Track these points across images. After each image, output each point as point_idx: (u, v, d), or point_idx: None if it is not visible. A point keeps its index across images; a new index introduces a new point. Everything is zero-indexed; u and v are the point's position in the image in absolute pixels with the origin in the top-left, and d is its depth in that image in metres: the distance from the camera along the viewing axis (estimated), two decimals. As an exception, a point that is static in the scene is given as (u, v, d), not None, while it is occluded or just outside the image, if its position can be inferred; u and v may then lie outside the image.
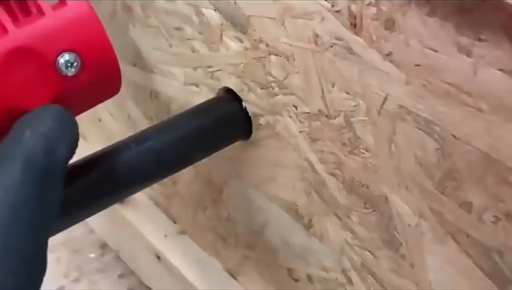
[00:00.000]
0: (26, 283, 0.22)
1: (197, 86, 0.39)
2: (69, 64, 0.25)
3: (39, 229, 0.23)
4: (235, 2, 0.33)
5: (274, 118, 0.34)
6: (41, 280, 0.23)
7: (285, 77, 0.32)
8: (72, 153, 0.25)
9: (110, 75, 0.27)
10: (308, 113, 0.32)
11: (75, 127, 0.25)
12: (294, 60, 0.31)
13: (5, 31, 0.24)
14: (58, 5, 0.25)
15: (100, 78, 0.26)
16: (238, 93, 0.36)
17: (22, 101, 0.25)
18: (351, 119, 0.30)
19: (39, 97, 0.25)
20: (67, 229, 0.31)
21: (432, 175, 0.27)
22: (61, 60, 0.25)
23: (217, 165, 0.41)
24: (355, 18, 0.27)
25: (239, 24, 0.34)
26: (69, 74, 0.25)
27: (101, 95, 0.28)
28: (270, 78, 0.33)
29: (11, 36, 0.24)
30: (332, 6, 0.28)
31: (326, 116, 0.31)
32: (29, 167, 0.23)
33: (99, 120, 0.53)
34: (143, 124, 0.46)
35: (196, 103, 0.36)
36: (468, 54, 0.23)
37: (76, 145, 0.25)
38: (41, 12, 0.25)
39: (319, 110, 0.31)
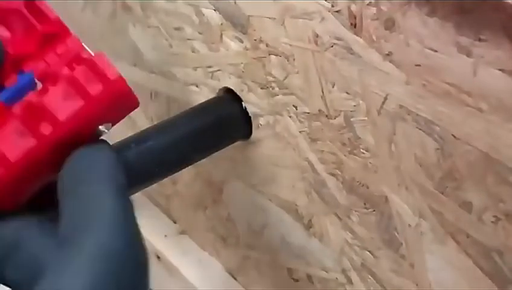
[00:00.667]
0: None
1: (197, 86, 0.39)
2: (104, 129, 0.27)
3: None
4: (235, 2, 0.33)
5: (274, 118, 0.34)
6: None
7: (285, 77, 0.32)
8: None
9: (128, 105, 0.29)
10: (308, 113, 0.32)
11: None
12: (294, 60, 0.31)
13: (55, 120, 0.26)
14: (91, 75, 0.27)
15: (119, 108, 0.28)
16: (238, 93, 0.36)
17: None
18: (351, 119, 0.30)
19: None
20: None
21: (432, 175, 0.27)
22: (101, 128, 0.27)
23: (217, 165, 0.41)
24: (355, 18, 0.27)
25: (239, 24, 0.34)
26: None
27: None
28: (270, 78, 0.33)
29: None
30: (333, 6, 0.28)
31: (326, 116, 0.31)
32: (120, 190, 0.24)
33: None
34: (143, 124, 0.46)
35: (196, 103, 0.36)
36: (468, 54, 0.23)
37: None
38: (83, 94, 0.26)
39: (319, 110, 0.31)
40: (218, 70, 0.37)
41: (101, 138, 0.27)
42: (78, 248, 0.22)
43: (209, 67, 0.37)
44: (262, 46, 0.33)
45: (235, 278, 0.46)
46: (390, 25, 0.26)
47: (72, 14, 0.54)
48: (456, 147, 0.25)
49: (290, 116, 0.33)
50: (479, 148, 0.24)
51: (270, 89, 0.33)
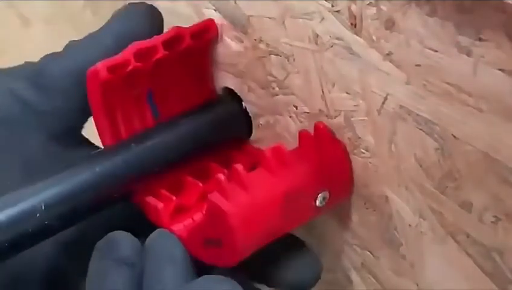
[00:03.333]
0: None
1: (197, 86, 0.39)
2: (323, 200, 0.30)
3: None
4: (235, 2, 0.33)
5: (274, 118, 0.34)
6: None
7: (286, 77, 0.32)
8: None
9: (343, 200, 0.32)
10: (309, 113, 0.32)
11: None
12: (294, 60, 0.31)
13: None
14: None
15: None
16: (238, 93, 0.36)
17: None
18: (351, 119, 0.30)
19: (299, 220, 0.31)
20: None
21: (432, 175, 0.27)
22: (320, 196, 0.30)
23: (217, 165, 0.41)
24: (355, 18, 0.27)
25: (239, 24, 0.34)
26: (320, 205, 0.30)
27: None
28: (270, 78, 0.33)
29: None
30: (333, 6, 0.28)
31: (327, 116, 0.31)
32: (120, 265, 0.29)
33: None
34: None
35: (196, 103, 0.36)
36: (469, 54, 0.23)
37: None
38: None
39: (319, 110, 0.31)
40: (218, 70, 0.37)
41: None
42: None
43: (209, 67, 0.37)
44: (262, 46, 0.33)
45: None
46: (390, 25, 0.26)
47: (72, 14, 0.54)
48: (456, 147, 0.25)
49: (290, 116, 0.33)
50: (479, 148, 0.24)
51: (270, 89, 0.33)
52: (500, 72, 0.22)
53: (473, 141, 0.25)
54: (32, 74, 0.34)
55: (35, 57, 0.35)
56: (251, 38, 0.33)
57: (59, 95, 0.33)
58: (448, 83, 0.24)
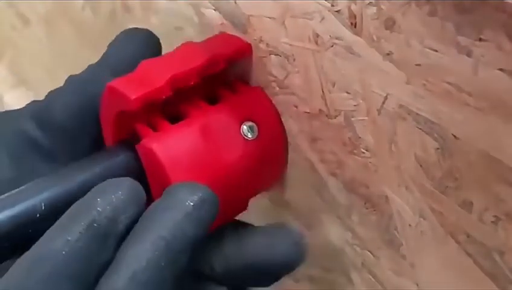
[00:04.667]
0: None
1: (197, 86, 0.39)
2: (249, 130, 0.33)
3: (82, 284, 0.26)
4: (235, 2, 0.33)
5: (274, 118, 0.34)
6: None
7: (286, 77, 0.32)
8: (132, 224, 0.28)
9: (278, 147, 0.34)
10: (309, 112, 0.32)
11: (142, 202, 0.28)
12: (294, 59, 0.31)
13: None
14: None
15: (271, 151, 0.34)
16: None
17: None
18: (352, 119, 0.30)
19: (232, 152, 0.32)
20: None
21: (432, 175, 0.27)
22: (245, 127, 0.32)
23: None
24: (355, 18, 0.27)
25: (239, 24, 0.34)
26: (250, 137, 0.33)
27: (269, 173, 0.34)
28: (271, 78, 0.33)
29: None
30: (333, 6, 0.28)
31: (327, 116, 0.31)
32: (91, 230, 0.26)
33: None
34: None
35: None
36: (469, 54, 0.23)
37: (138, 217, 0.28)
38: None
39: (320, 110, 0.31)
40: (219, 70, 0.37)
41: None
42: None
43: (209, 67, 0.37)
44: (262, 45, 0.33)
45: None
46: (390, 24, 0.26)
47: (72, 14, 0.54)
48: (456, 147, 0.25)
49: (290, 116, 0.33)
50: (479, 148, 0.24)
51: (271, 88, 0.33)
52: (500, 72, 0.22)
53: (473, 140, 0.25)
54: (38, 114, 0.34)
55: (35, 57, 0.35)
56: (251, 38, 0.33)
57: (64, 134, 0.34)
58: (448, 83, 0.24)
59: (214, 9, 0.35)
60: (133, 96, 0.30)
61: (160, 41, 0.35)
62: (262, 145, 0.33)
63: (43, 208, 0.29)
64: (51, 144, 0.34)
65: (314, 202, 0.35)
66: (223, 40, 0.34)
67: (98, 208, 0.27)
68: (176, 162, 0.30)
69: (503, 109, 0.23)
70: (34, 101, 0.35)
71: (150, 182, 0.31)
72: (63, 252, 0.26)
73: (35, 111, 0.34)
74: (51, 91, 0.35)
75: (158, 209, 0.28)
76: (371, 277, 0.33)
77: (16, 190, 0.30)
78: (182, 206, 0.27)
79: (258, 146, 0.33)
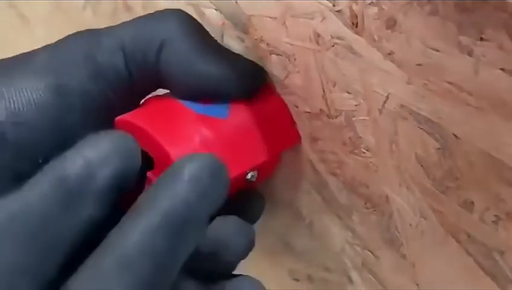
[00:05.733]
0: None
1: (197, 86, 0.39)
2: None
3: (54, 249, 0.23)
4: (236, 2, 0.33)
5: (275, 118, 0.34)
6: None
7: (286, 76, 0.32)
8: (120, 179, 0.25)
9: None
10: (309, 112, 0.32)
11: (130, 154, 0.25)
12: (295, 59, 0.31)
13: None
14: None
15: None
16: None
17: None
18: (352, 119, 0.30)
19: None
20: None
21: (433, 174, 0.27)
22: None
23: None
24: (356, 17, 0.27)
25: (240, 24, 0.34)
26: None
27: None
28: (271, 78, 0.33)
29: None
30: (334, 5, 0.28)
31: (327, 115, 0.31)
32: (59, 185, 0.24)
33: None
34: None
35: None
36: (470, 54, 0.23)
37: (133, 172, 0.25)
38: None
39: (320, 110, 0.31)
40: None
41: None
42: None
43: (210, 66, 0.37)
44: (263, 45, 0.33)
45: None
46: (391, 24, 0.26)
47: (72, 14, 0.54)
48: (457, 147, 0.25)
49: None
50: (480, 147, 0.24)
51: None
52: (501, 71, 0.22)
53: (474, 140, 0.25)
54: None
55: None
56: (252, 38, 0.33)
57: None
58: (449, 83, 0.25)
59: (215, 9, 0.35)
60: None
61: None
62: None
63: None
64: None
65: (314, 201, 0.35)
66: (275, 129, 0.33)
67: (65, 164, 0.24)
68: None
69: (504, 108, 0.23)
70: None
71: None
72: (21, 212, 0.23)
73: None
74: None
75: (156, 183, 0.25)
76: (371, 276, 0.33)
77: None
78: (180, 176, 0.25)
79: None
